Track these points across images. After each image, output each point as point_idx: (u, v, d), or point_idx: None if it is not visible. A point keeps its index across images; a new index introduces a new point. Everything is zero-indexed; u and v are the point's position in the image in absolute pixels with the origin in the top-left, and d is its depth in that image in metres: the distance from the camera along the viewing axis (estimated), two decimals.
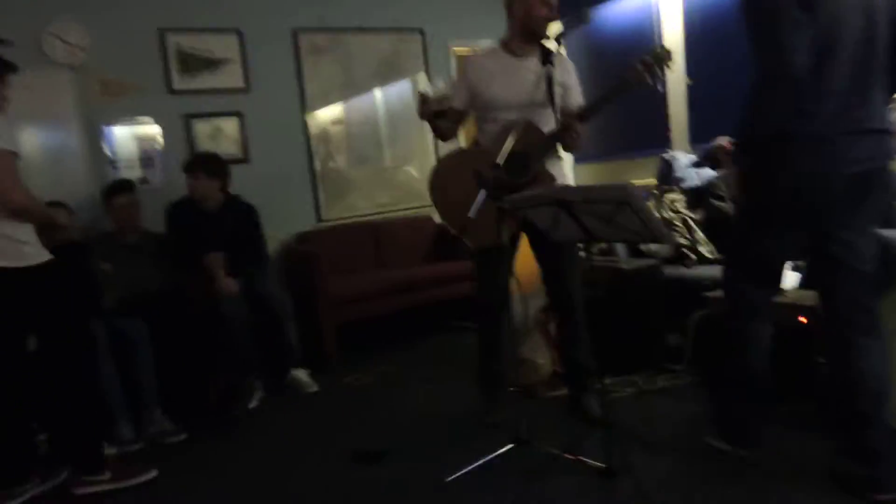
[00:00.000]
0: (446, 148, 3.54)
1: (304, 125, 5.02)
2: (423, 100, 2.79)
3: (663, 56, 2.55)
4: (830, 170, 2.04)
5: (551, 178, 2.82)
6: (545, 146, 2.78)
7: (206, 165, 3.88)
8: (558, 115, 2.71)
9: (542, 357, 3.47)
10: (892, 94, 2.15)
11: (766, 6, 2.02)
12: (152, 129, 4.48)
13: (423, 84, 2.98)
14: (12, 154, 2.50)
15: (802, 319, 2.76)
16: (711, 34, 4.66)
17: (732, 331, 2.41)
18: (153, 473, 2.86)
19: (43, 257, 2.65)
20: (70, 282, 2.84)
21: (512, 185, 2.67)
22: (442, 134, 2.93)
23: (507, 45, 2.91)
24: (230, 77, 4.73)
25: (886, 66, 2.09)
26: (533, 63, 2.76)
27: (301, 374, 3.85)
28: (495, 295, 2.92)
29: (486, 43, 5.65)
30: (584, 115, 2.70)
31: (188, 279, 3.78)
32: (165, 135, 4.51)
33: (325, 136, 5.11)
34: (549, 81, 2.67)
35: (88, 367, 2.87)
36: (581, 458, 2.49)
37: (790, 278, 3.26)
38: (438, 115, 2.82)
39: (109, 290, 3.59)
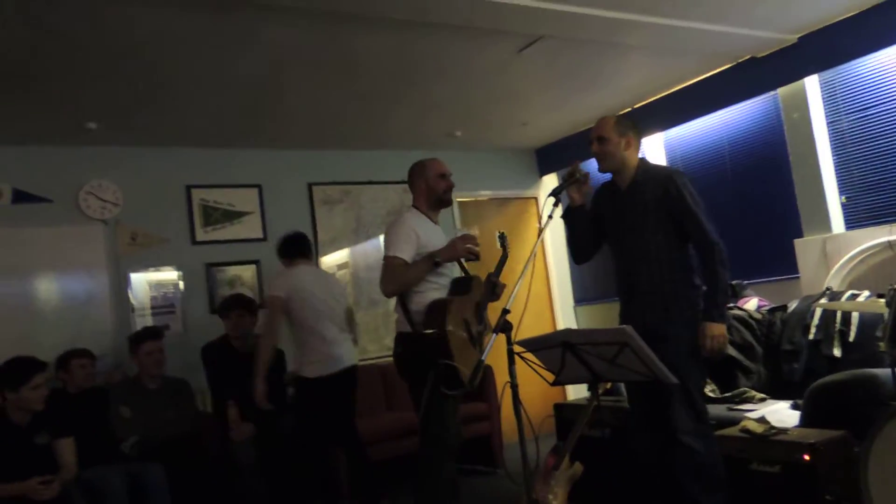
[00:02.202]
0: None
1: None
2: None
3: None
4: None
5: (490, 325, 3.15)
6: (487, 298, 3.18)
7: (248, 304, 4.20)
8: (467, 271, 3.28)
9: (555, 498, 3.50)
10: None
11: None
12: (175, 277, 4.72)
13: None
14: (277, 298, 3.75)
15: (806, 457, 2.85)
16: (695, 179, 5.04)
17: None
18: None
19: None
20: None
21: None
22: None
23: (422, 211, 3.24)
24: (249, 227, 5.05)
25: None
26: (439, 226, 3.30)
27: None
28: (459, 438, 3.09)
29: (487, 194, 6.13)
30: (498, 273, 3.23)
31: (204, 425, 3.87)
32: (187, 282, 4.75)
33: None
34: None
35: None
36: None
37: (789, 416, 3.38)
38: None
39: (128, 435, 3.66)
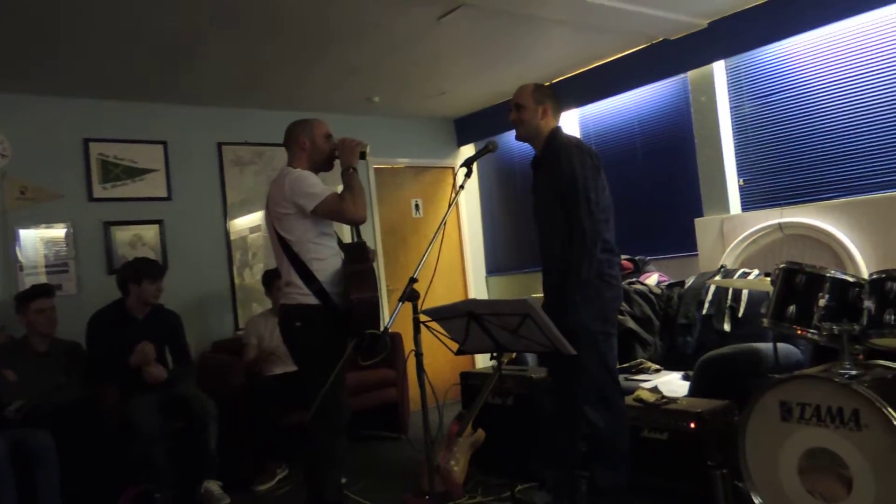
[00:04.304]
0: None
1: (226, 234, 5.13)
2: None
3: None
4: None
5: None
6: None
7: (162, 271, 4.07)
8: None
9: (456, 464, 3.57)
10: None
11: None
12: (68, 236, 4.46)
13: None
14: None
15: (692, 425, 3.01)
16: (607, 156, 5.17)
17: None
18: None
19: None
20: None
21: None
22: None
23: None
24: (153, 186, 4.82)
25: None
26: None
27: (213, 486, 3.76)
28: (348, 412, 3.05)
29: (404, 161, 6.09)
30: None
31: (100, 390, 3.72)
32: (83, 241, 4.50)
33: (242, 243, 5.22)
34: None
35: None
36: None
37: (680, 387, 3.56)
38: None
39: (14, 400, 3.47)
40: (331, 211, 2.95)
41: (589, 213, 2.79)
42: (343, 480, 3.24)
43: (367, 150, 3.09)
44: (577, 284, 2.77)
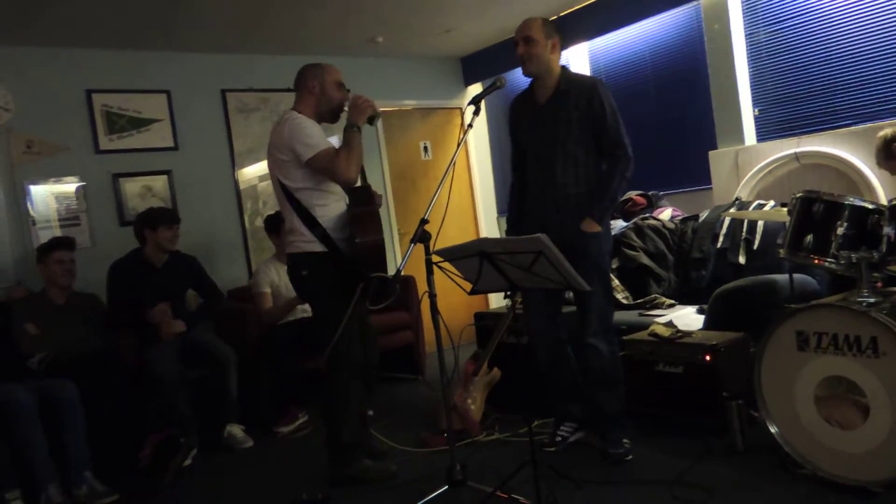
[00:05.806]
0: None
1: (235, 182, 5.10)
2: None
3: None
4: None
5: None
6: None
7: (177, 217, 4.10)
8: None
9: (473, 403, 3.62)
10: None
11: None
12: (78, 189, 4.46)
13: None
14: None
15: (707, 357, 3.02)
16: (618, 90, 5.06)
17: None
18: None
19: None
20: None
21: None
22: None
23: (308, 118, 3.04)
24: (159, 136, 4.78)
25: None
26: None
27: (236, 430, 3.85)
28: (361, 354, 3.09)
29: (411, 103, 5.99)
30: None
31: (120, 339, 3.77)
32: (93, 194, 4.50)
33: (252, 191, 5.20)
34: None
35: None
36: (513, 495, 2.62)
37: (694, 320, 3.55)
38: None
39: (37, 352, 3.53)
40: (324, 166, 2.92)
41: (628, 140, 2.95)
42: (370, 412, 3.31)
43: (378, 119, 3.04)
44: (610, 201, 2.96)
